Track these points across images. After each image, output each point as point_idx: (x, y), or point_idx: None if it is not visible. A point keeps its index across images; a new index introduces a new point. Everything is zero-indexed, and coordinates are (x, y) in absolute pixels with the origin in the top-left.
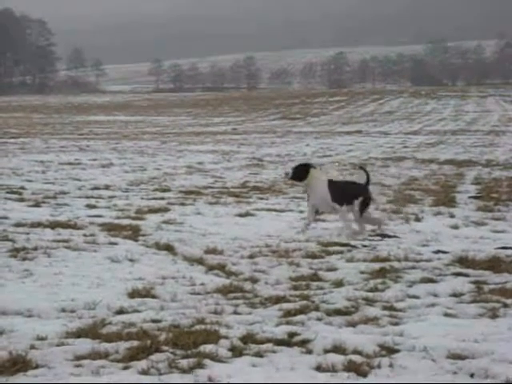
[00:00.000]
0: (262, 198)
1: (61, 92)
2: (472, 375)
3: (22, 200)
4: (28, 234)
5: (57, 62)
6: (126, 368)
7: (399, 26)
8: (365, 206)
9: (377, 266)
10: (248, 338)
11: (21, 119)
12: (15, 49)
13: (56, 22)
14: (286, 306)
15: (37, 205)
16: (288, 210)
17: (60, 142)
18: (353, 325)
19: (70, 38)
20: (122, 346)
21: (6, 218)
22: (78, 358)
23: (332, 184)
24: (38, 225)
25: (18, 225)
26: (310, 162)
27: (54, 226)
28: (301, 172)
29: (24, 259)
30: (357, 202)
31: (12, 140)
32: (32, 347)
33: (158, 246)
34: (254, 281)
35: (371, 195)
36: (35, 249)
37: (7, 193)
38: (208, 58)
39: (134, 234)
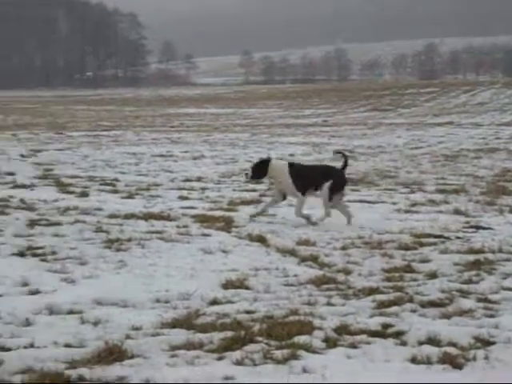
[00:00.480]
0: (354, 190)
1: (152, 85)
2: None
3: (115, 192)
4: (122, 225)
5: (148, 55)
6: (220, 358)
7: (491, 16)
8: (336, 189)
9: (471, 257)
10: (342, 329)
11: (113, 112)
12: (107, 43)
13: (147, 15)
14: (379, 297)
15: (130, 196)
16: (380, 202)
17: (151, 135)
18: (447, 317)
19: (161, 31)
20: (217, 336)
21: (100, 209)
22: (173, 348)
23: (293, 168)
24: (132, 216)
25: (111, 216)
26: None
27: (147, 217)
28: (260, 169)
29: (118, 250)
30: (326, 185)
31: (105, 132)
32: (128, 337)
33: (251, 238)
34: (347, 272)
35: (344, 179)
36: (129, 240)
37: (101, 185)
38: (298, 49)
39: (227, 225)
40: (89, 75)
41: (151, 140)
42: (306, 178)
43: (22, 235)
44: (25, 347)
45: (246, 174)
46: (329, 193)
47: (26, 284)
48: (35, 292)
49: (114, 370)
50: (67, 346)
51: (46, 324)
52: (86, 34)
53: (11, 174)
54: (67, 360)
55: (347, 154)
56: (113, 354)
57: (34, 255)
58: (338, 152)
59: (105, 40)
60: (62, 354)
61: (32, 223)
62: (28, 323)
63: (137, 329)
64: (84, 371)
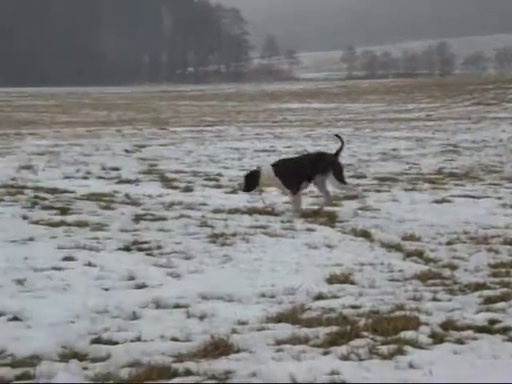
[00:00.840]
0: (458, 185)
1: (254, 80)
2: None
3: (219, 187)
4: (226, 220)
5: (250, 50)
6: (326, 353)
7: None
8: (336, 174)
9: None
10: (448, 325)
11: (215, 107)
12: (210, 38)
13: (250, 10)
14: (486, 292)
15: (234, 191)
16: (485, 197)
17: (254, 130)
18: None
19: (263, 26)
20: (322, 331)
21: (204, 204)
22: (279, 342)
23: (278, 167)
24: (236, 211)
25: (216, 211)
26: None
27: (251, 212)
28: (251, 180)
29: (223, 245)
30: (328, 174)
31: (208, 128)
32: (233, 331)
33: (355, 233)
34: (453, 267)
35: (338, 163)
36: (234, 235)
37: (205, 180)
38: (400, 43)
39: (331, 220)
40: (190, 71)
41: (254, 135)
42: (294, 172)
43: (127, 230)
44: (132, 341)
45: (240, 185)
46: (335, 179)
47: (132, 278)
48: (141, 286)
49: (221, 364)
50: (173, 339)
51: (153, 318)
52: (188, 30)
53: (116, 169)
54: (174, 354)
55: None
56: (219, 348)
57: (140, 250)
58: (335, 135)
59: (207, 36)
60: (169, 348)
61: (137, 218)
62: (135, 317)
63: (242, 323)
64: (191, 365)
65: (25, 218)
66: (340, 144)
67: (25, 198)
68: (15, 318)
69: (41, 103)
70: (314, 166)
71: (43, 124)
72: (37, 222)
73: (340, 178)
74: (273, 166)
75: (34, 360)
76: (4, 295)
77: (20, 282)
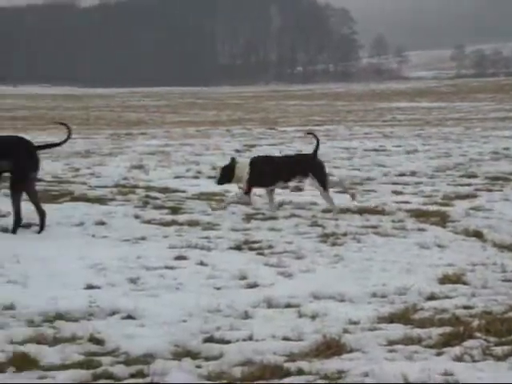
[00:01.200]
0: None
1: (363, 79)
2: None
3: None
4: (337, 219)
5: (359, 49)
6: (439, 354)
7: None
8: (318, 175)
9: None
10: None
11: (324, 107)
12: (319, 38)
13: (359, 9)
14: None
15: (343, 191)
16: None
17: (363, 129)
18: None
19: (372, 25)
20: (435, 331)
21: (314, 203)
22: (391, 342)
23: (254, 165)
24: (347, 210)
25: (326, 211)
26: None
27: (361, 211)
28: (226, 172)
29: (334, 244)
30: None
31: (316, 127)
32: (345, 331)
33: (467, 233)
34: None
35: (319, 163)
36: (344, 234)
37: None
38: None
39: (442, 220)
40: (299, 70)
41: (363, 134)
42: (270, 171)
43: (238, 229)
44: (244, 340)
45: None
46: (319, 183)
47: (243, 277)
48: (253, 285)
49: (333, 364)
50: (285, 339)
51: (264, 317)
52: (297, 30)
53: None
54: (285, 353)
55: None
56: (331, 347)
57: (251, 249)
58: (309, 133)
59: (316, 35)
60: (281, 347)
61: (248, 217)
62: (246, 316)
63: (354, 323)
64: (303, 364)
65: (137, 217)
66: (316, 142)
67: (136, 197)
68: (129, 317)
69: (153, 103)
70: (293, 167)
71: (154, 124)
72: (148, 222)
73: (320, 179)
74: (251, 161)
75: (147, 358)
76: (118, 294)
77: (133, 280)
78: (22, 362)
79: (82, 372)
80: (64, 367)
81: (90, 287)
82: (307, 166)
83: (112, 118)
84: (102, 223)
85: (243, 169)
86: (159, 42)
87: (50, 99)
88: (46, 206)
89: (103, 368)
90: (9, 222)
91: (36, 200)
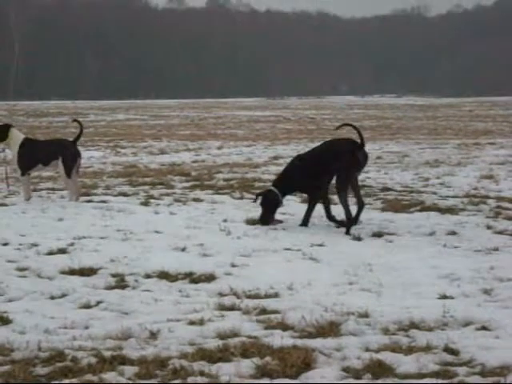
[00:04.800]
0: None
1: None
2: None
3: None
4: None
5: None
6: None
7: None
8: (69, 165)
9: None
10: None
11: None
12: None
13: None
14: None
15: None
16: None
17: None
18: None
19: None
20: None
21: None
22: None
23: (25, 144)
24: None
25: None
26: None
27: None
28: (1, 132)
29: None
30: (57, 163)
31: None
32: None
33: None
34: None
35: (74, 152)
36: None
37: None
38: None
39: None
40: None
41: None
42: (33, 153)
43: None
44: None
45: None
46: (62, 165)
47: None
48: None
49: None
50: None
51: None
52: None
53: None
54: None
55: None
56: None
57: None
58: (74, 120)
59: None
60: None
61: None
62: None
63: None
64: None
65: (488, 227)
66: (79, 129)
67: (487, 207)
68: (483, 328)
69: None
70: (50, 151)
71: (501, 134)
72: (500, 232)
73: (66, 165)
74: (24, 138)
75: (503, 370)
76: (471, 304)
77: (487, 291)
78: (378, 370)
79: (438, 382)
80: (420, 376)
81: (443, 297)
82: (63, 150)
83: (459, 127)
84: (454, 233)
85: (15, 137)
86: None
87: (395, 109)
88: (396, 215)
89: (459, 378)
90: (358, 230)
91: (358, 194)
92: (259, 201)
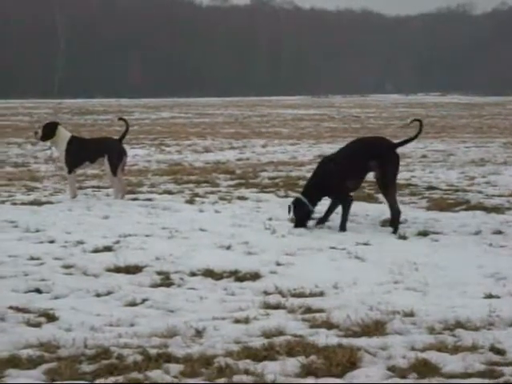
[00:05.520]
0: None
1: None
2: None
3: None
4: None
5: None
6: None
7: None
8: (115, 163)
9: None
10: None
11: None
12: None
13: None
14: None
15: None
16: None
17: None
18: None
19: None
20: None
21: None
22: None
23: (72, 142)
24: None
25: None
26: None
27: None
28: (48, 130)
29: None
30: (103, 161)
31: None
32: None
33: None
34: None
35: (120, 150)
36: None
37: None
38: None
39: None
40: None
41: None
42: (80, 151)
43: None
44: None
45: (36, 133)
46: (108, 164)
47: None
48: None
49: None
50: None
51: None
52: None
53: None
54: None
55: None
56: None
57: None
58: (120, 118)
59: None
60: None
61: None
62: None
63: None
64: None
65: None
66: (125, 128)
67: None
68: None
69: None
70: (97, 149)
71: None
72: None
73: (112, 163)
74: (72, 137)
75: None
76: None
77: None
78: (424, 369)
79: (484, 381)
80: (466, 375)
81: (489, 296)
82: (109, 149)
83: (505, 126)
84: (500, 232)
85: (62, 135)
86: None
87: (440, 107)
88: (441, 214)
89: (505, 378)
90: (404, 229)
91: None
92: (291, 212)
